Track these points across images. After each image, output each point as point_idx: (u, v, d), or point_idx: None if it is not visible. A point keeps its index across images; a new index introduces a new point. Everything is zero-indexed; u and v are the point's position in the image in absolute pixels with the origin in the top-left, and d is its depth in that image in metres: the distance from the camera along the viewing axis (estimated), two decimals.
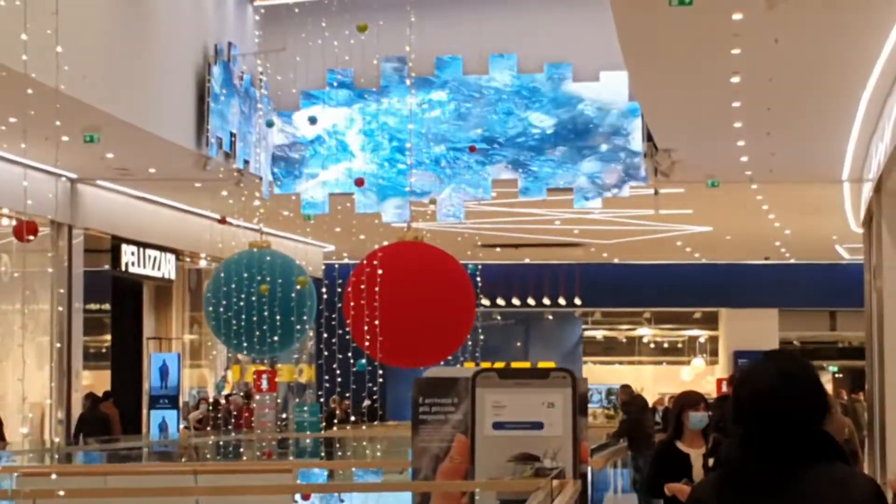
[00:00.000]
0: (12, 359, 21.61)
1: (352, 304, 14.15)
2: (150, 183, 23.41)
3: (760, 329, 38.76)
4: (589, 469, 12.01)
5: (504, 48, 23.19)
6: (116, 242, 25.61)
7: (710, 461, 8.33)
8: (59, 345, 22.29)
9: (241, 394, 28.06)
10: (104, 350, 26.59)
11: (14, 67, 13.68)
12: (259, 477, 11.42)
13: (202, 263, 29.37)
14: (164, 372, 27.39)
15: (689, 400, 8.91)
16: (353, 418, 19.20)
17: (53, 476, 8.59)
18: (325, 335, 16.59)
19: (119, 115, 17.61)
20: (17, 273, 22.11)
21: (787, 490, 3.47)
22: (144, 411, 27.29)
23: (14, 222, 21.71)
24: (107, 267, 25.59)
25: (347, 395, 22.83)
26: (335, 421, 18.88)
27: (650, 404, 24.37)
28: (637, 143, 22.96)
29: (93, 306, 25.36)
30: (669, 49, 15.02)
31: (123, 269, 26.05)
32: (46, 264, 22.71)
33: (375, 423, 23.76)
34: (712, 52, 15.05)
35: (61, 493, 5.89)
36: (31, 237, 13.05)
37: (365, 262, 14.32)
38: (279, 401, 27.83)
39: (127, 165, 21.39)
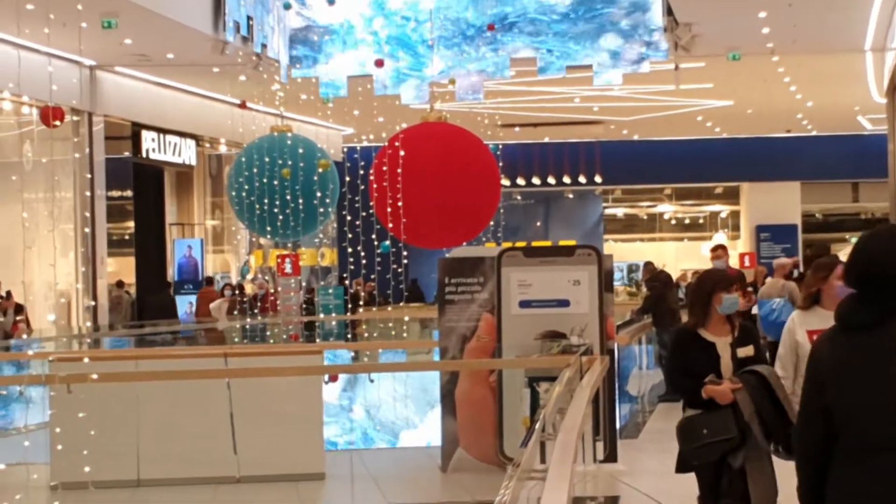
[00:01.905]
0: (37, 246, 21.65)
1: (375, 185, 14.15)
2: (169, 69, 23.33)
3: (782, 202, 38.70)
4: (615, 345, 12.09)
5: None
6: (137, 129, 25.61)
7: (741, 351, 7.40)
8: (87, 230, 22.36)
9: (266, 278, 28.18)
10: (127, 237, 26.70)
11: None
12: (289, 359, 11.56)
13: (222, 149, 29.36)
14: (188, 258, 27.51)
15: (721, 279, 7.62)
16: (364, 303, 19.27)
17: (86, 360, 8.68)
18: (349, 218, 16.58)
19: (136, 0, 17.51)
20: (45, 159, 22.11)
21: (887, 331, 4.12)
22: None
23: (34, 111, 21.73)
24: (128, 154, 25.61)
25: (373, 276, 22.94)
26: (359, 303, 18.94)
27: (673, 280, 24.41)
28: (657, 17, 22.75)
29: (115, 193, 25.42)
30: None
31: (144, 155, 26.07)
32: (68, 152, 22.74)
33: (401, 304, 23.82)
34: None
35: (95, 376, 5.97)
36: (58, 122, 13.03)
37: (388, 143, 14.29)
38: (303, 284, 27.96)
39: (145, 51, 21.32)
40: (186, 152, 27.97)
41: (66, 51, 21.08)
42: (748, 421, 7.13)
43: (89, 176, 22.63)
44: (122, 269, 26.61)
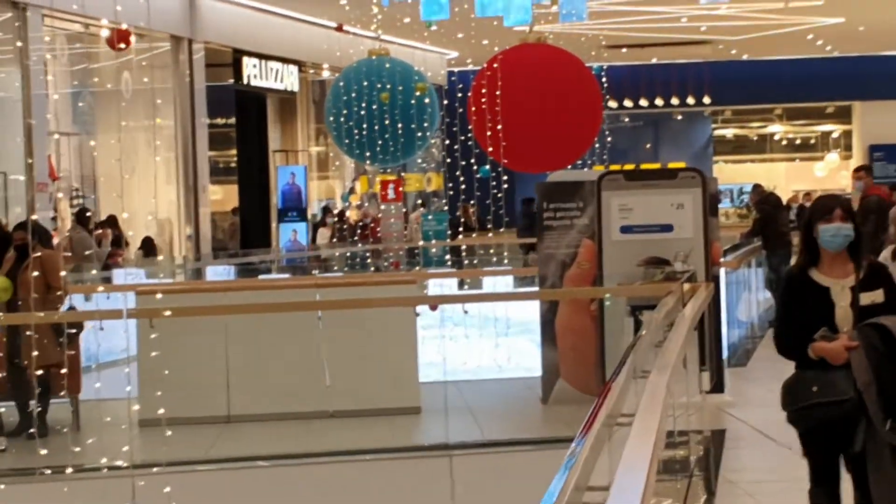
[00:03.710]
0: (138, 175, 21.66)
1: (473, 108, 13.83)
2: None
3: None
4: (722, 271, 11.69)
5: None
6: (238, 55, 25.42)
7: (865, 296, 6.05)
8: (187, 161, 22.30)
9: (366, 203, 28.01)
10: (232, 165, 26.65)
11: None
12: (382, 289, 11.29)
13: (325, 74, 29.10)
14: (291, 185, 27.38)
15: (817, 209, 6.24)
16: (476, 228, 18.98)
17: (159, 296, 8.49)
18: (447, 143, 16.25)
19: None
20: (147, 86, 22.03)
21: None
22: (273, 224, 27.37)
23: (133, 38, 21.59)
24: (230, 81, 25.45)
25: (472, 202, 22.65)
26: (461, 229, 18.65)
27: (784, 202, 23.91)
28: None
29: (219, 121, 25.34)
30: None
31: (246, 82, 25.89)
32: (168, 80, 22.63)
33: (502, 230, 23.50)
34: None
35: (167, 312, 5.76)
36: (123, 45, 12.82)
37: (486, 66, 13.95)
38: (404, 210, 27.78)
39: None
40: (289, 78, 27.77)
41: None
42: (861, 390, 5.82)
43: (187, 105, 22.50)
44: (225, 196, 26.59)
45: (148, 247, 21.14)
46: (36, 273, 9.34)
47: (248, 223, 26.34)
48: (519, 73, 13.87)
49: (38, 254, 9.57)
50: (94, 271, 14.94)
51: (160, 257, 21.39)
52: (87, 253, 16.42)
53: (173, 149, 22.96)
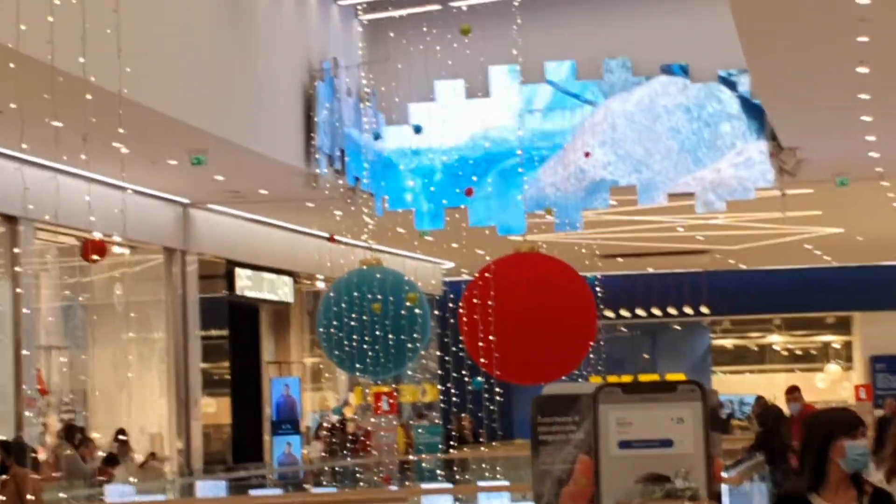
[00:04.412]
0: (127, 389, 21.34)
1: (465, 319, 13.58)
2: (262, 205, 23.03)
3: None
4: (725, 487, 11.28)
5: (618, 51, 22.48)
6: (231, 267, 25.29)
7: None
8: (179, 373, 22.03)
9: (356, 416, 27.63)
10: (225, 377, 26.35)
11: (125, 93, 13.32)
12: None
13: (320, 285, 28.96)
14: (285, 396, 27.02)
15: (841, 420, 5.50)
16: (470, 440, 18.60)
17: None
18: (445, 354, 16.00)
19: (225, 136, 17.20)
20: (139, 299, 21.89)
21: None
22: (266, 437, 26.93)
23: (126, 250, 21.48)
24: (224, 293, 25.27)
25: (463, 414, 22.28)
26: (452, 442, 18.29)
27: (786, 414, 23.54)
28: (761, 143, 22.15)
29: (212, 332, 25.11)
30: (791, 39, 14.27)
31: (240, 293, 25.72)
32: (161, 292, 22.44)
33: (495, 443, 23.09)
34: (837, 39, 14.26)
35: None
36: (96, 256, 12.68)
37: (477, 275, 13.75)
38: (410, 422, 27.37)
39: (237, 187, 21.04)
40: (283, 289, 27.62)
41: (157, 189, 20.89)
42: None
43: (178, 318, 22.29)
44: (220, 409, 26.24)
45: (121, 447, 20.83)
46: (8, 492, 8.99)
47: (241, 435, 25.94)
48: (511, 282, 13.67)
49: (10, 473, 9.22)
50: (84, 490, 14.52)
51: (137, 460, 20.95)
52: (75, 470, 16.03)
53: (165, 361, 22.66)
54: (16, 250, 17.80)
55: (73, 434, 18.03)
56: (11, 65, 11.16)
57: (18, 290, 17.72)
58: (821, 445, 5.42)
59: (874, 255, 34.64)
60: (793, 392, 15.17)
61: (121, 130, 10.86)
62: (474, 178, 21.20)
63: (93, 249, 12.89)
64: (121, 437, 20.23)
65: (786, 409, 16.13)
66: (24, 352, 17.78)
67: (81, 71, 10.48)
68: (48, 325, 20.91)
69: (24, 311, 17.76)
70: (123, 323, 21.89)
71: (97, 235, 14.50)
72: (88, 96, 11.17)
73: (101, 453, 19.44)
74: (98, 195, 14.45)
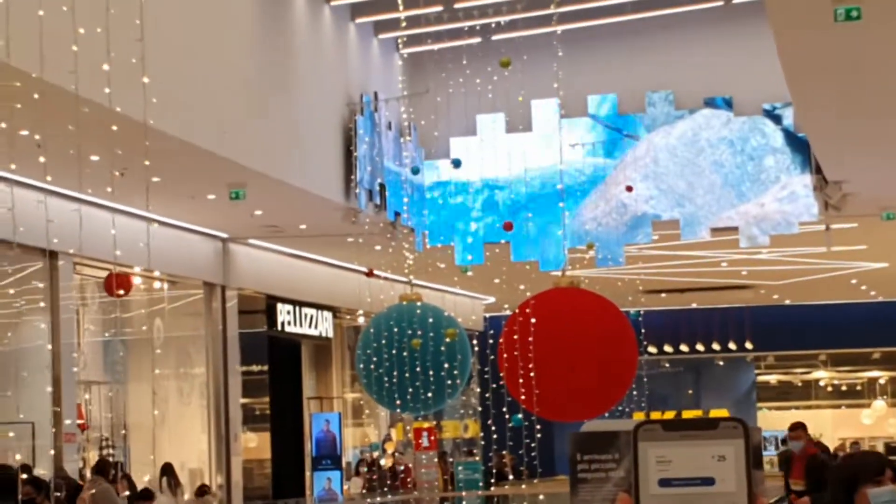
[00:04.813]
0: (169, 424, 21.29)
1: (505, 355, 13.41)
2: (302, 240, 22.95)
3: None
4: None
5: (660, 84, 22.33)
6: (272, 302, 25.20)
7: None
8: (219, 409, 21.92)
9: (402, 452, 27.47)
10: (266, 412, 26.25)
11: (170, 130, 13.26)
12: None
13: (360, 320, 28.85)
14: (325, 432, 26.91)
15: (865, 466, 5.29)
16: (510, 476, 18.42)
17: None
18: (484, 390, 15.82)
19: (264, 170, 17.11)
20: (180, 334, 21.84)
21: None
22: (307, 473, 26.81)
23: (165, 285, 21.43)
24: (264, 328, 25.18)
25: (503, 451, 22.04)
26: (493, 478, 18.10)
27: (831, 450, 23.20)
28: (806, 177, 21.92)
29: (253, 368, 25.02)
30: (836, 71, 14.06)
31: (280, 328, 25.63)
32: (200, 327, 22.36)
33: (535, 479, 22.88)
34: (882, 71, 14.06)
35: None
36: (122, 291, 12.59)
37: (517, 311, 13.57)
38: (451, 459, 27.19)
39: (276, 222, 20.96)
40: (323, 324, 27.52)
41: (197, 223, 20.85)
42: None
43: (219, 353, 22.20)
44: (261, 444, 26.15)
45: (169, 473, 20.73)
46: None
47: (282, 471, 25.81)
48: (551, 318, 13.49)
49: None
50: None
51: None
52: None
53: (205, 396, 22.57)
54: (54, 287, 17.75)
55: (107, 469, 17.91)
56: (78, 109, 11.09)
57: (57, 324, 17.68)
58: (846, 491, 5.20)
59: None
60: (796, 429, 14.64)
61: (147, 163, 10.73)
62: (515, 214, 21.07)
63: (118, 284, 12.77)
64: (166, 473, 20.18)
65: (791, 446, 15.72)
66: (64, 386, 17.71)
67: (107, 101, 10.40)
68: (88, 360, 20.84)
69: (63, 343, 17.70)
70: (163, 358, 21.84)
71: (123, 270, 14.38)
72: (114, 127, 11.06)
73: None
74: (131, 228, 14.34)
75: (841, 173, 19.86)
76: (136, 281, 20.12)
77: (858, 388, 41.04)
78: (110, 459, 19.14)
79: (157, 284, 21.77)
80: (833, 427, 38.38)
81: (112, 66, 10.30)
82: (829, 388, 41.28)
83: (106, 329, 21.69)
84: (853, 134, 17.20)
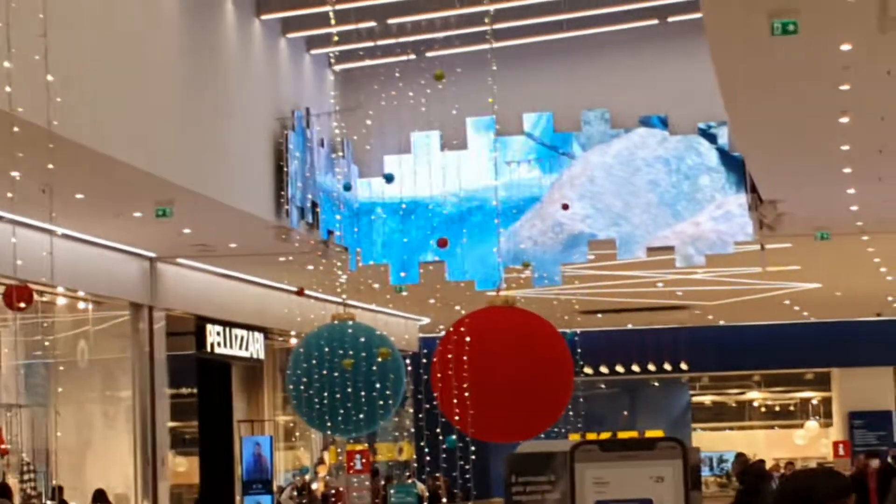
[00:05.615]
0: (94, 448, 20.83)
1: (439, 375, 13.08)
2: (232, 259, 22.54)
3: (876, 388, 37.79)
4: None
5: (596, 102, 22.15)
6: (201, 323, 24.74)
7: None
8: (145, 432, 21.50)
9: (334, 476, 27.10)
10: (196, 435, 25.86)
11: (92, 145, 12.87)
12: None
13: (293, 341, 28.48)
14: (256, 456, 26.52)
15: (829, 488, 4.87)
16: (444, 500, 18.12)
17: None
18: (419, 411, 15.52)
19: (192, 187, 16.68)
20: (105, 356, 21.42)
21: None
22: (237, 498, 26.40)
23: (90, 305, 20.98)
24: (193, 350, 24.74)
25: (437, 474, 21.73)
26: (425, 502, 17.80)
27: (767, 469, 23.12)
28: (741, 196, 21.82)
29: (183, 390, 24.61)
30: (772, 89, 13.88)
31: (209, 350, 25.18)
32: (127, 349, 21.88)
33: (470, 503, 22.60)
34: (818, 88, 13.89)
35: None
36: (23, 304, 12.21)
37: (451, 330, 13.26)
38: (382, 482, 26.88)
39: (205, 241, 20.53)
40: (254, 346, 27.10)
41: (123, 242, 20.40)
42: None
43: (150, 374, 21.74)
44: (191, 468, 25.75)
45: (101, 500, 20.32)
46: None
47: (211, 495, 25.41)
48: (485, 337, 13.20)
49: None
50: None
51: None
52: None
53: (131, 420, 22.08)
54: None
55: (9, 493, 17.49)
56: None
57: None
58: None
59: (852, 310, 34.46)
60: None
61: (50, 166, 10.28)
62: (450, 232, 20.78)
63: (18, 296, 12.35)
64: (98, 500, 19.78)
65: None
66: None
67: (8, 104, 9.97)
68: (8, 383, 20.36)
69: None
70: (88, 381, 21.36)
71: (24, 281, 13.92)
72: (16, 129, 10.52)
73: None
74: (39, 242, 13.80)
75: (776, 192, 19.72)
76: (52, 296, 19.58)
77: (791, 408, 41.27)
78: (28, 487, 18.68)
79: (81, 305, 21.29)
80: (766, 448, 38.48)
81: (19, 72, 9.90)
82: (763, 409, 41.49)
83: (29, 351, 21.19)
84: (788, 152, 17.05)
